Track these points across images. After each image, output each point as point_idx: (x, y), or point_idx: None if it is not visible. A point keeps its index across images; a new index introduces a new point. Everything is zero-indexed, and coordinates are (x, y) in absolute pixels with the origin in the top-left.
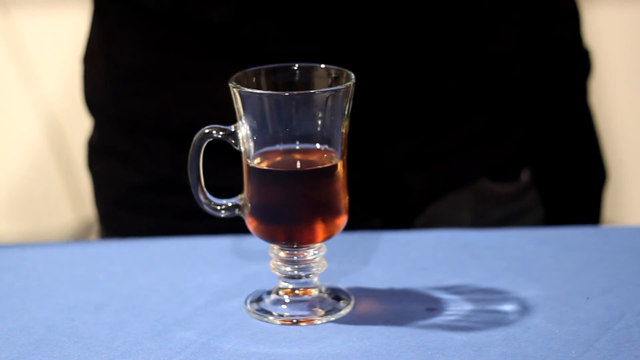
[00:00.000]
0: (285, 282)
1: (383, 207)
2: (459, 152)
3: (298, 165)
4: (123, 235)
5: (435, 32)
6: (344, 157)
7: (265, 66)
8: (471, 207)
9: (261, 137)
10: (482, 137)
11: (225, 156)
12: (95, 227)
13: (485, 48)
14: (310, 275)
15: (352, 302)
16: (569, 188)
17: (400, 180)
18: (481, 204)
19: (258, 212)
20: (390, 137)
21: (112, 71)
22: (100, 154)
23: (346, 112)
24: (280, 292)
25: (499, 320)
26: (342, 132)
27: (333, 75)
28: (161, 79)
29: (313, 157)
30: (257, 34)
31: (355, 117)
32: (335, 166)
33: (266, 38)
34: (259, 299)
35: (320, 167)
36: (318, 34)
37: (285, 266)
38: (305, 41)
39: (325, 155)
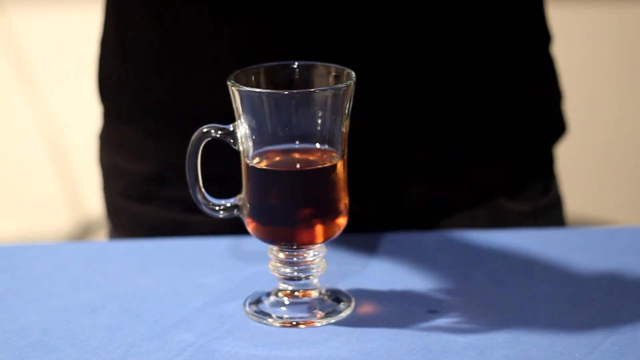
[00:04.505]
0: (284, 283)
1: (389, 215)
2: (475, 167)
3: (298, 165)
4: (130, 230)
5: (443, 34)
6: (344, 157)
7: (265, 64)
8: (486, 224)
9: (260, 137)
10: (500, 153)
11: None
12: (92, 228)
13: (501, 65)
14: (310, 277)
15: (353, 304)
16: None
17: (408, 189)
18: (496, 222)
19: (257, 213)
20: (395, 142)
21: (125, 48)
22: (109, 146)
23: (347, 111)
24: (280, 294)
25: (502, 323)
26: (342, 131)
27: (333, 74)
28: (173, 53)
29: (313, 157)
30: (257, 31)
31: (357, 118)
32: (335, 166)
33: (266, 36)
34: (258, 301)
35: (320, 167)
36: (319, 32)
37: (285, 267)
38: (305, 39)
39: (325, 155)
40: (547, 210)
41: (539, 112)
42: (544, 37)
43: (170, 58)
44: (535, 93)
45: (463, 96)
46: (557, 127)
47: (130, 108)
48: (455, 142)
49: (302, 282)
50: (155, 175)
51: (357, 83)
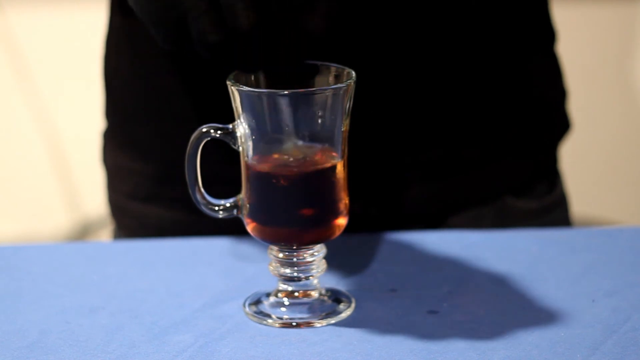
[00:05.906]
0: (284, 284)
1: (390, 216)
2: (479, 166)
3: (298, 165)
4: (133, 230)
5: (446, 32)
6: (345, 157)
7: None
8: (491, 223)
9: (260, 137)
10: (504, 151)
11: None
12: (91, 229)
13: (505, 64)
14: (310, 277)
15: (353, 305)
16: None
17: (412, 188)
18: (502, 220)
19: (256, 213)
20: (397, 141)
21: (132, 46)
22: (114, 145)
23: (347, 111)
24: (280, 295)
25: (503, 324)
26: (342, 131)
27: (333, 74)
28: (182, 52)
29: (313, 157)
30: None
31: (358, 118)
32: (335, 166)
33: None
34: (257, 302)
35: (320, 167)
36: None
37: (285, 268)
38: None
39: (325, 155)
40: (553, 209)
41: (543, 110)
42: (548, 35)
43: (179, 56)
44: (540, 91)
45: (467, 95)
46: (561, 125)
47: (137, 107)
48: (458, 141)
49: (302, 282)
50: (161, 175)
51: (358, 82)
